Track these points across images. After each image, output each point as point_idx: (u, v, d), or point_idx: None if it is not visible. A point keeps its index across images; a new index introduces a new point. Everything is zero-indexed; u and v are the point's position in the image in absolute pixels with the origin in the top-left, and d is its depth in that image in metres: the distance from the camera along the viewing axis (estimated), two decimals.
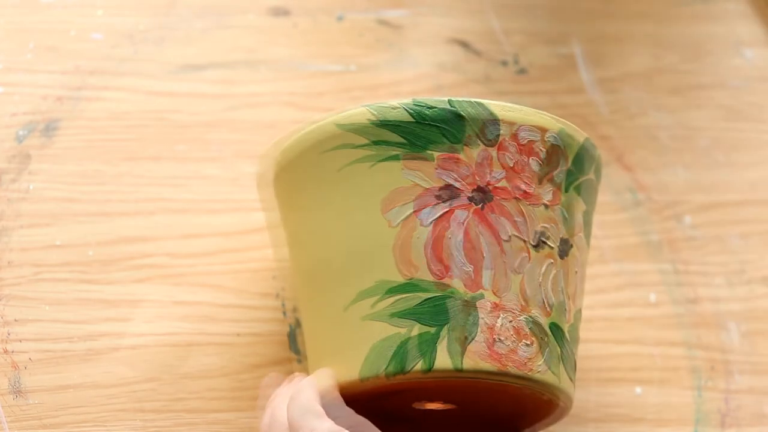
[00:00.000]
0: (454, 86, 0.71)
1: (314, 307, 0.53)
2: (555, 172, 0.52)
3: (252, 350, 0.60)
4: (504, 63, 0.73)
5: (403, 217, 0.51)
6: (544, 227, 0.52)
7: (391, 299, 0.51)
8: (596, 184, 0.56)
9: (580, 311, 0.54)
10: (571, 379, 0.52)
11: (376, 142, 0.52)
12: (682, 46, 0.77)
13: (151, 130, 0.65)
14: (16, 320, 0.58)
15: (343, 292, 0.52)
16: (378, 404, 0.53)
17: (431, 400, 0.54)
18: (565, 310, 0.52)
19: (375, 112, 0.52)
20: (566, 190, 0.53)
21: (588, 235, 0.55)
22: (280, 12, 0.71)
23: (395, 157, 0.51)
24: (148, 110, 0.65)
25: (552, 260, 0.52)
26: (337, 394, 0.51)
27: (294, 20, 0.71)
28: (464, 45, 0.73)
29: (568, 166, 0.53)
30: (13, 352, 0.57)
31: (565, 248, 0.52)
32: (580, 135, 0.54)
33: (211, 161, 0.65)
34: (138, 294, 0.60)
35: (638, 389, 0.64)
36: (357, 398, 0.52)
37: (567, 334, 0.52)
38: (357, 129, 0.52)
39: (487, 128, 0.52)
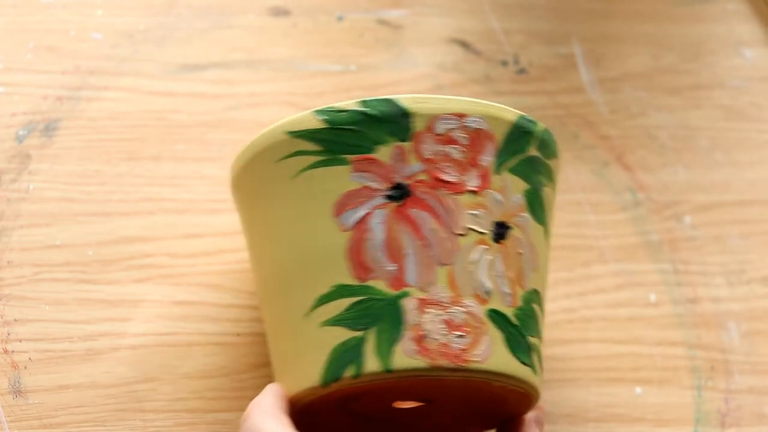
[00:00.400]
0: (454, 86, 0.71)
1: (274, 314, 0.54)
2: (480, 157, 0.52)
3: (252, 350, 0.60)
4: (504, 63, 0.73)
5: (355, 220, 0.51)
6: (472, 214, 0.51)
7: (322, 308, 0.51)
8: (544, 160, 0.54)
9: (535, 292, 0.53)
10: (525, 363, 0.51)
11: (328, 148, 0.52)
12: (682, 46, 0.77)
13: (151, 130, 0.65)
14: (16, 320, 0.58)
15: (298, 298, 0.52)
16: (351, 407, 0.53)
17: (399, 400, 0.54)
18: (508, 294, 0.51)
19: (323, 117, 0.52)
20: (497, 173, 0.52)
21: (539, 213, 0.54)
22: (280, 12, 0.71)
23: (344, 161, 0.51)
24: (148, 110, 0.65)
25: (485, 246, 0.51)
26: (281, 416, 0.50)
27: (294, 20, 0.71)
28: (464, 45, 0.73)
29: (497, 148, 0.52)
30: (13, 352, 0.57)
31: (501, 232, 0.52)
32: (510, 114, 0.53)
33: (211, 161, 0.65)
34: (138, 294, 0.60)
35: (638, 389, 0.64)
36: (319, 405, 0.52)
37: (514, 319, 0.51)
38: (305, 135, 0.52)
39: (400, 124, 0.51)
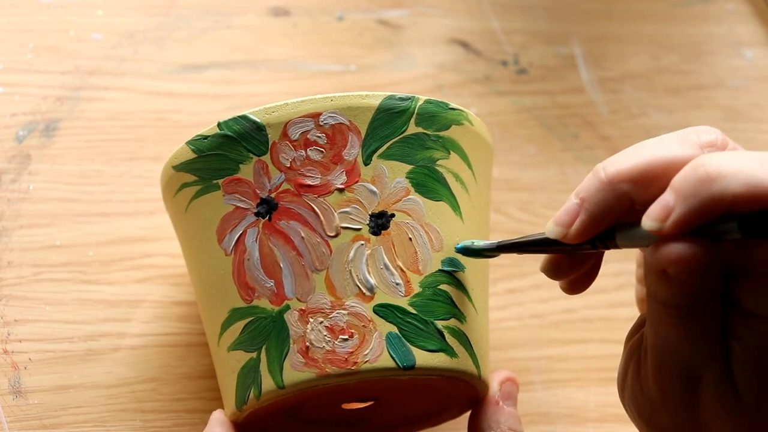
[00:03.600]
0: (454, 86, 0.71)
1: (209, 343, 0.55)
2: (344, 152, 0.51)
3: None
4: (504, 63, 0.73)
5: (233, 243, 0.51)
6: (344, 212, 0.50)
7: (226, 333, 0.52)
8: (432, 134, 0.52)
9: (443, 273, 0.51)
10: (431, 350, 0.50)
11: (201, 177, 0.52)
12: (682, 46, 0.77)
13: (151, 130, 0.65)
14: (16, 320, 0.58)
15: (211, 327, 0.53)
16: (300, 416, 0.54)
17: (339, 403, 0.53)
18: (399, 284, 0.50)
19: (192, 147, 0.52)
20: (367, 163, 0.51)
21: (435, 191, 0.52)
22: (280, 12, 0.71)
23: (216, 187, 0.52)
24: (148, 110, 0.65)
25: (363, 241, 0.50)
26: None
27: (294, 20, 0.71)
28: (464, 45, 0.73)
29: (362, 138, 0.51)
30: (13, 352, 0.57)
31: (380, 222, 0.50)
32: (372, 99, 0.51)
33: None
34: (138, 294, 0.60)
35: None
36: (259, 423, 0.52)
37: (410, 308, 0.50)
38: (183, 167, 0.53)
39: (256, 138, 0.51)
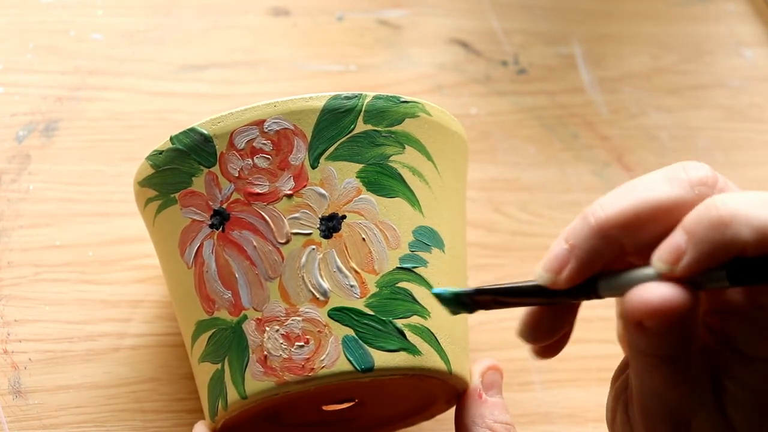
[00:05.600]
0: (454, 86, 0.71)
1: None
2: (290, 157, 0.50)
3: None
4: (504, 63, 0.73)
5: (193, 256, 0.51)
6: (294, 218, 0.50)
7: (195, 345, 0.52)
8: (383, 130, 0.51)
9: (401, 270, 0.50)
10: (391, 350, 0.49)
11: (160, 191, 0.52)
12: (682, 46, 0.77)
13: (151, 130, 0.65)
14: (16, 320, 0.58)
15: (185, 340, 0.53)
16: (280, 421, 0.54)
17: (319, 405, 0.53)
18: (352, 286, 0.49)
19: (150, 162, 0.52)
20: (314, 166, 0.50)
21: (389, 187, 0.51)
22: (280, 12, 0.71)
23: (174, 201, 0.52)
24: (148, 110, 0.65)
25: (314, 246, 0.50)
26: None
27: (294, 20, 0.71)
28: (464, 45, 0.73)
29: (308, 141, 0.50)
30: (13, 352, 0.57)
31: (331, 224, 0.50)
32: (316, 101, 0.51)
33: None
34: (138, 294, 0.60)
35: None
36: (240, 430, 0.52)
37: (368, 309, 0.49)
38: (145, 183, 0.53)
39: (205, 150, 0.51)
